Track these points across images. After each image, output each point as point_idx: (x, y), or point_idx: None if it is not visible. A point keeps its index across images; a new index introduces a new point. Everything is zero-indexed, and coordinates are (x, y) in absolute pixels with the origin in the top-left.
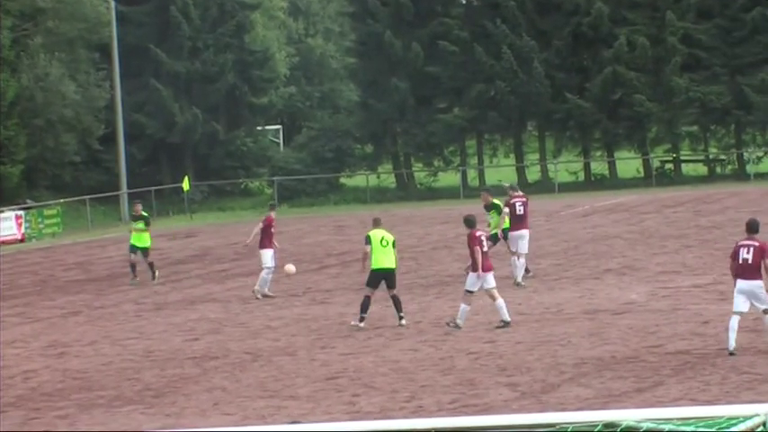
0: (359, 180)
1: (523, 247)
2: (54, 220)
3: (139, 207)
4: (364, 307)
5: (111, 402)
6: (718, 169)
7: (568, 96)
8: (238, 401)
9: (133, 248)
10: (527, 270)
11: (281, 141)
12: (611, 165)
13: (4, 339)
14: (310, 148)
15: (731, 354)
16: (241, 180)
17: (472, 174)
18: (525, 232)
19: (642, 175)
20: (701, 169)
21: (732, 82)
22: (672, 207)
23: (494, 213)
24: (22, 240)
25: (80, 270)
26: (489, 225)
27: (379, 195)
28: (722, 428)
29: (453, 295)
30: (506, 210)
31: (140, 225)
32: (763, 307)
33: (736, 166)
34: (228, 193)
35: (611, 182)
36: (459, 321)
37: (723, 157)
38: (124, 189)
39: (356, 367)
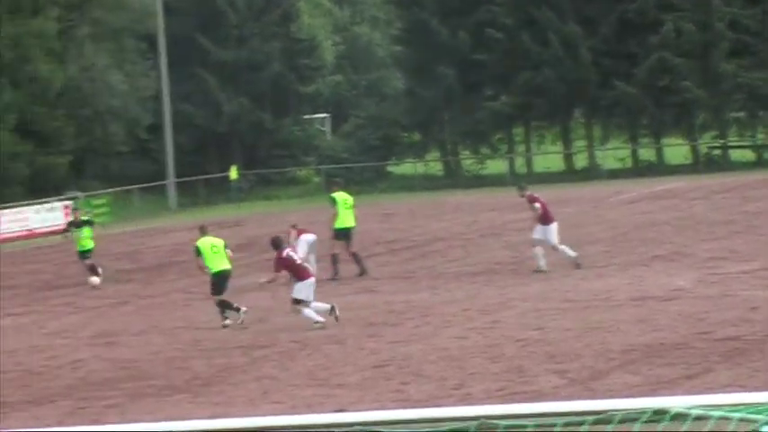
0: (406, 168)
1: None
2: (102, 210)
3: (79, 213)
4: (227, 306)
5: (161, 391)
6: (767, 155)
7: (615, 83)
8: (287, 390)
9: (84, 254)
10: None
11: (328, 130)
12: (659, 151)
13: (52, 329)
14: (357, 137)
15: None
16: (288, 169)
17: (520, 161)
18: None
19: (690, 161)
20: (749, 155)
21: None
22: (720, 193)
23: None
24: None
25: (128, 260)
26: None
27: (426, 183)
28: None
29: (501, 282)
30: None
31: (86, 231)
32: None
33: None
34: (276, 182)
35: (658, 168)
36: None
37: None
38: (171, 178)
39: (405, 355)
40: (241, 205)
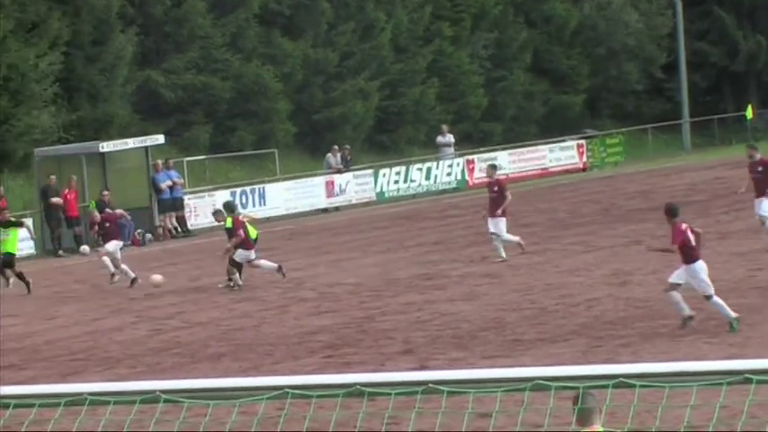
0: None
1: None
2: (616, 149)
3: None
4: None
5: (675, 332)
6: None
7: None
8: None
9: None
10: None
11: None
12: None
13: (567, 267)
14: None
15: None
16: None
17: None
18: None
19: None
20: None
21: None
22: None
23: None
24: (584, 169)
25: (642, 199)
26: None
27: None
28: None
29: None
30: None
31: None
32: None
33: None
34: None
35: None
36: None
37: None
38: (686, 118)
39: None
40: (757, 145)
